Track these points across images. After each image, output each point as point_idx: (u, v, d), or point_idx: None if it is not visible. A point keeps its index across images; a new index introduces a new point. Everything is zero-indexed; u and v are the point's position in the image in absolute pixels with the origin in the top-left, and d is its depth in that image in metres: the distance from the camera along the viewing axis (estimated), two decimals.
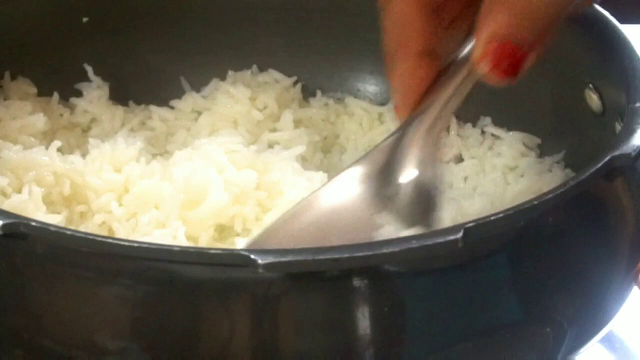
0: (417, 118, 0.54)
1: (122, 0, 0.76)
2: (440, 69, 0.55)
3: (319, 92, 0.78)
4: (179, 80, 0.77)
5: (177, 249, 0.43)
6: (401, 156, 0.53)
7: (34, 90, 0.74)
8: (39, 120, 0.69)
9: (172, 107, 0.76)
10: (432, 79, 0.55)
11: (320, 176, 0.65)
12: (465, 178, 0.70)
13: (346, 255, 0.43)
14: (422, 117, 0.54)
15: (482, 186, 0.69)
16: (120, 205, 0.64)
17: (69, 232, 0.44)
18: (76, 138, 0.72)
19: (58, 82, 0.74)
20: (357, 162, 0.54)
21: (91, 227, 0.63)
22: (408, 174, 0.52)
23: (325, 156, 0.74)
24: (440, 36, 0.56)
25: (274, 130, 0.74)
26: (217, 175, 0.62)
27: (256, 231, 0.62)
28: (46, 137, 0.70)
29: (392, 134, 0.55)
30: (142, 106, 0.76)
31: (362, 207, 0.52)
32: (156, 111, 0.75)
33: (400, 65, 0.55)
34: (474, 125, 0.73)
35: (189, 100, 0.76)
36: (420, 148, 0.53)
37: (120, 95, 0.75)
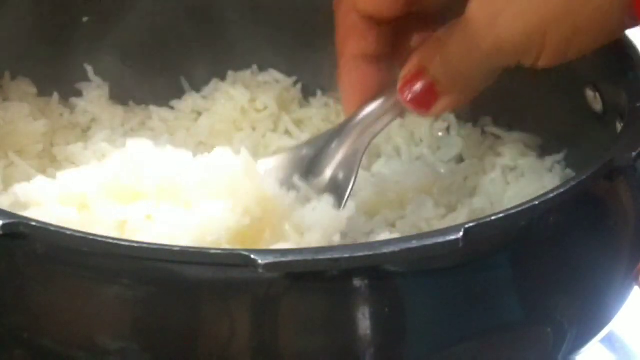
0: (355, 119, 0.58)
1: (122, 1, 0.76)
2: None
3: (319, 92, 0.78)
4: (179, 80, 0.77)
5: (177, 249, 0.43)
6: (328, 153, 0.59)
7: (34, 90, 0.73)
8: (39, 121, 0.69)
9: (172, 108, 0.76)
10: (379, 85, 0.58)
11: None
12: (465, 178, 0.70)
13: (346, 255, 0.43)
14: (358, 119, 0.58)
15: (482, 186, 0.69)
16: None
17: (69, 232, 0.44)
18: (76, 138, 0.72)
19: (58, 82, 0.74)
20: (297, 146, 0.62)
21: None
22: (327, 172, 0.59)
23: None
24: (395, 49, 0.58)
25: (275, 130, 0.74)
26: None
27: None
28: (46, 137, 0.70)
29: (331, 130, 0.60)
30: (142, 106, 0.76)
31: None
32: (156, 111, 0.75)
33: (340, 63, 0.59)
34: (474, 125, 0.73)
35: (189, 101, 0.76)
36: (348, 147, 0.59)
37: (120, 95, 0.75)
